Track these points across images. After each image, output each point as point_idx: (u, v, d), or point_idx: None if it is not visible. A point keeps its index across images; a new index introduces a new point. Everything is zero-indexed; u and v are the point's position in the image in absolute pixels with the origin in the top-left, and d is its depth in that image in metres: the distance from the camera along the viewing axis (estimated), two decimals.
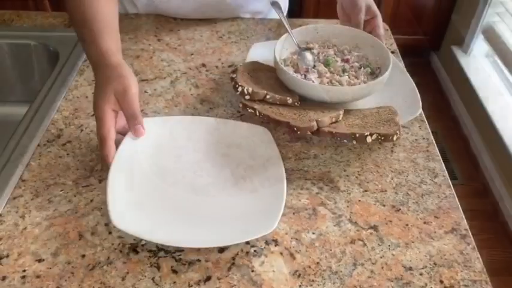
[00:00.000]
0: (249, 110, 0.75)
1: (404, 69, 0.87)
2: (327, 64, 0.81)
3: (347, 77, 0.79)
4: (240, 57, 0.92)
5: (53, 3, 2.18)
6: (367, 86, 0.76)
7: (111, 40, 0.72)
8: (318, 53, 0.84)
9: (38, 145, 0.73)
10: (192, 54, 0.93)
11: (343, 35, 0.86)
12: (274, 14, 1.09)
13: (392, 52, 0.93)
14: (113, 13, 0.77)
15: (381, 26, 0.88)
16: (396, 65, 0.88)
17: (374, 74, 0.81)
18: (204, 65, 0.90)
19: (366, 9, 0.87)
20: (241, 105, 0.76)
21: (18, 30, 0.98)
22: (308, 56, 0.82)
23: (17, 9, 1.05)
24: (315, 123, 0.70)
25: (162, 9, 1.01)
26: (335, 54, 0.84)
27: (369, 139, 0.69)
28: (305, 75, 0.79)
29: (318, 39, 0.87)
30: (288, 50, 0.85)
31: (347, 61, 0.83)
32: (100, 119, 0.64)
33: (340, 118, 0.73)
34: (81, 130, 0.76)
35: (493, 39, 2.11)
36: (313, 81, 0.78)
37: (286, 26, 0.85)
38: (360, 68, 0.81)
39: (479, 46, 2.24)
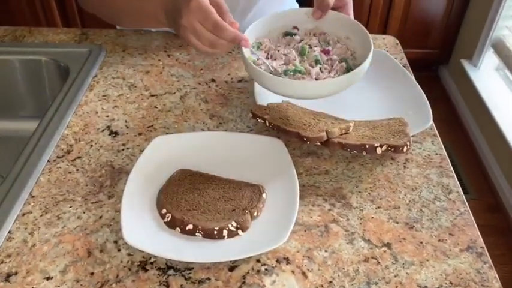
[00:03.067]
0: (259, 120, 0.75)
1: (415, 81, 0.87)
2: (302, 53, 0.74)
3: (318, 68, 0.72)
4: None
5: (63, 19, 2.22)
6: (328, 81, 0.68)
7: None
8: (300, 41, 0.77)
9: (48, 161, 0.73)
10: (201, 70, 0.93)
11: (336, 22, 0.78)
12: None
13: (404, 66, 0.92)
14: None
15: (351, 14, 0.80)
16: (407, 77, 0.88)
17: (350, 71, 0.71)
18: (213, 80, 0.90)
19: None
20: (251, 115, 0.76)
21: (29, 46, 0.99)
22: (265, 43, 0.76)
23: (29, 26, 1.06)
24: (324, 133, 0.69)
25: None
26: (319, 42, 0.77)
27: (378, 150, 0.68)
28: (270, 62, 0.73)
29: (308, 23, 0.79)
30: (269, 33, 0.78)
31: (327, 52, 0.75)
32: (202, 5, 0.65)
33: (351, 130, 0.72)
34: (91, 146, 0.75)
35: (503, 52, 2.10)
36: (272, 68, 0.71)
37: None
38: (337, 62, 0.73)
39: (489, 60, 2.23)
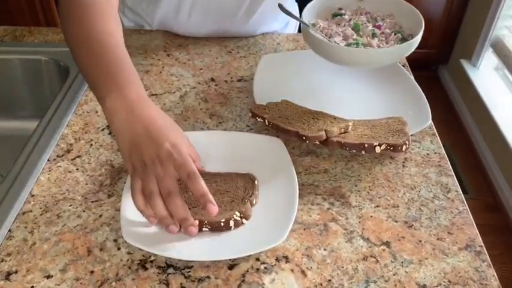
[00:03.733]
0: (259, 119, 0.75)
1: (414, 80, 0.87)
2: (356, 29, 0.80)
3: (377, 40, 0.78)
4: (249, 71, 0.92)
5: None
6: (393, 48, 0.75)
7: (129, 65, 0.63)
8: (350, 19, 0.83)
9: (48, 160, 0.73)
10: (201, 69, 0.93)
11: (378, 1, 0.85)
12: (286, 31, 1.10)
13: (403, 65, 0.92)
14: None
15: None
16: (406, 77, 0.88)
17: (405, 41, 0.78)
18: (213, 80, 0.90)
19: None
20: (250, 114, 0.76)
21: (29, 46, 0.99)
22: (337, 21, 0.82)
23: (28, 25, 1.07)
24: (323, 132, 0.70)
25: (178, 31, 1.02)
26: (367, 20, 0.83)
27: (377, 149, 0.69)
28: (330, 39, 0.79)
29: (351, 5, 0.86)
30: (317, 16, 0.85)
31: (378, 27, 0.81)
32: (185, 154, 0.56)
33: (350, 129, 0.73)
34: (91, 145, 0.76)
35: (502, 52, 2.10)
36: (335, 43, 0.77)
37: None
38: (391, 34, 0.80)
39: (488, 59, 2.23)
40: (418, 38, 0.76)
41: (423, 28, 0.77)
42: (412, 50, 0.76)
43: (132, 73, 0.62)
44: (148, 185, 0.56)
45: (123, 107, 0.59)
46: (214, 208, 0.56)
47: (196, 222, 0.60)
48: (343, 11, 0.85)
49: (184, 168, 0.56)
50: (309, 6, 0.83)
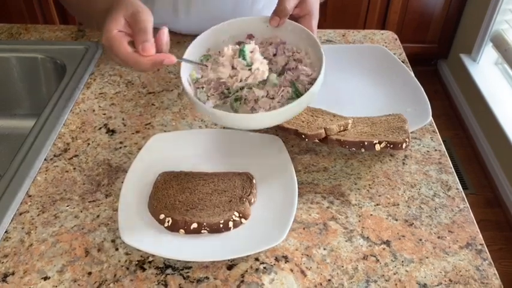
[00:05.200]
0: None
1: (414, 76, 0.86)
2: (242, 57, 0.64)
3: (262, 93, 0.64)
4: None
5: (61, 16, 2.20)
6: (263, 115, 0.60)
7: None
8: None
9: (45, 159, 0.72)
10: None
11: (295, 35, 0.69)
12: None
13: (403, 61, 0.91)
14: None
15: (314, 26, 0.70)
16: (406, 73, 0.87)
17: (295, 99, 0.63)
18: None
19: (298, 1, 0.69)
20: None
21: (25, 44, 0.98)
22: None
23: (26, 22, 1.06)
24: (323, 130, 0.69)
25: (175, 30, 1.01)
26: (273, 54, 0.69)
27: (377, 147, 0.68)
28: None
29: (265, 33, 0.70)
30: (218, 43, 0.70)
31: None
32: (109, 40, 0.59)
33: (349, 126, 0.72)
34: (88, 144, 0.75)
35: (502, 46, 2.09)
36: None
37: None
38: (284, 88, 0.65)
39: (488, 54, 2.22)
40: (300, 104, 0.60)
41: (317, 85, 0.61)
42: (294, 114, 0.61)
43: None
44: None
45: None
46: (171, 59, 0.59)
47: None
48: (248, 41, 0.69)
49: (119, 57, 0.59)
50: (213, 28, 0.69)
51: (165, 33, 0.60)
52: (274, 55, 0.69)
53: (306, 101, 0.61)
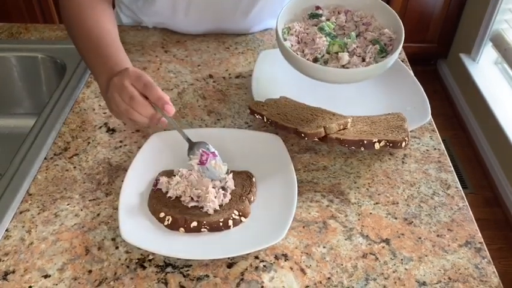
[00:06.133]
0: (257, 116, 0.75)
1: (414, 76, 0.86)
2: (326, 34, 0.74)
3: (347, 55, 0.72)
4: (247, 67, 0.92)
5: (60, 15, 2.20)
6: (364, 69, 0.70)
7: (119, 51, 0.72)
8: (327, 19, 0.78)
9: (45, 158, 0.72)
10: (199, 66, 0.92)
11: (359, 1, 0.79)
12: None
13: (402, 60, 0.91)
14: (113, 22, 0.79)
15: None
16: (405, 72, 0.88)
17: (383, 53, 0.73)
18: (211, 76, 0.90)
19: None
20: (249, 111, 0.76)
21: (25, 43, 0.99)
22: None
23: (25, 22, 1.06)
24: (322, 129, 0.69)
25: (174, 28, 1.01)
26: (346, 21, 0.78)
27: (377, 146, 0.68)
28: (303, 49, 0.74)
29: (329, 3, 0.80)
30: (295, 16, 0.79)
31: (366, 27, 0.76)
32: (122, 87, 0.63)
33: (349, 125, 0.72)
34: (88, 143, 0.75)
35: (502, 46, 2.09)
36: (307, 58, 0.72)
37: None
38: (369, 45, 0.74)
39: (488, 53, 2.22)
40: (395, 55, 0.71)
41: (403, 39, 0.72)
42: (389, 66, 0.71)
43: (118, 55, 0.72)
44: (117, 108, 0.65)
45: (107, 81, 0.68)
46: (170, 108, 0.63)
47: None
48: (319, 11, 0.79)
49: (140, 80, 0.63)
50: (285, 8, 0.77)
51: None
52: (346, 21, 0.78)
53: (395, 55, 0.71)
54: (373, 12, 0.78)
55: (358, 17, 0.78)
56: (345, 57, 0.72)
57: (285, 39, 0.75)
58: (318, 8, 0.80)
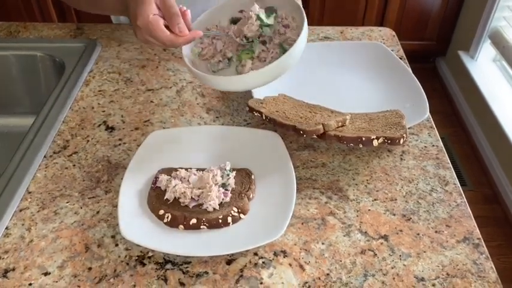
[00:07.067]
0: (256, 114, 0.75)
1: (411, 73, 0.86)
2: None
3: (250, 63, 0.69)
4: None
5: (59, 14, 2.20)
6: (256, 73, 0.64)
7: None
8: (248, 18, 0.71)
9: (44, 156, 0.72)
10: None
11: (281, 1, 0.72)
12: None
13: (400, 58, 0.92)
14: None
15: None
16: (404, 69, 0.88)
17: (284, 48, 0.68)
18: None
19: None
20: (247, 108, 0.76)
21: (24, 42, 0.99)
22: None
23: (24, 21, 1.06)
24: (321, 126, 0.69)
25: None
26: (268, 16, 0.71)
27: (375, 142, 0.68)
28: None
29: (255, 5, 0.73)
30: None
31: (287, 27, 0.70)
32: (146, 23, 0.64)
33: (347, 122, 0.72)
34: (88, 141, 0.75)
35: (500, 43, 2.10)
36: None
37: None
38: (279, 46, 0.69)
39: (486, 51, 2.22)
40: (289, 54, 0.64)
41: (301, 38, 0.64)
42: (287, 67, 0.65)
43: None
44: (148, 41, 0.68)
45: None
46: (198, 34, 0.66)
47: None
48: (240, 15, 0.73)
49: (158, 39, 0.66)
50: (208, 12, 0.74)
51: (188, 14, 0.67)
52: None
53: (288, 58, 0.64)
54: (293, 14, 0.71)
55: (279, 18, 0.72)
56: (248, 63, 0.69)
57: (199, 43, 0.74)
58: (241, 11, 0.74)
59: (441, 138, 0.77)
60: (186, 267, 0.57)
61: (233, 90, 0.70)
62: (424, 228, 0.63)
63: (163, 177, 0.65)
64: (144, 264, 0.58)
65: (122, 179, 0.66)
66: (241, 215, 0.62)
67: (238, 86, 0.67)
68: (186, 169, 0.66)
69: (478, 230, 0.63)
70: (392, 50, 0.94)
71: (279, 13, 0.72)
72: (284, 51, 0.67)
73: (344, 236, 0.61)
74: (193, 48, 0.73)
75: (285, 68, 0.65)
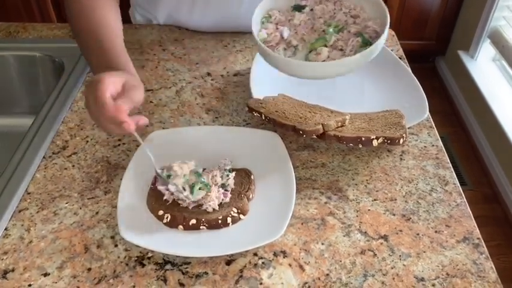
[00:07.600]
0: (255, 114, 0.75)
1: (411, 72, 0.86)
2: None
3: (327, 50, 0.69)
4: (245, 65, 0.92)
5: (58, 14, 2.20)
6: (339, 62, 0.65)
7: (121, 52, 0.70)
8: (311, 9, 0.73)
9: (44, 157, 0.72)
10: (197, 64, 0.93)
11: None
12: None
13: (400, 57, 0.92)
14: (118, 20, 0.76)
15: None
16: (403, 69, 0.88)
17: (365, 47, 0.68)
18: (209, 74, 0.90)
19: None
20: (247, 108, 0.76)
21: (23, 42, 0.98)
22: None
23: (23, 21, 1.06)
24: (320, 126, 0.69)
25: (182, 23, 1.02)
26: (334, 11, 0.73)
27: (375, 142, 0.68)
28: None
29: None
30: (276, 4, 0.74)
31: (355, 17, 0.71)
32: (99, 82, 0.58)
33: (347, 122, 0.72)
34: (87, 141, 0.75)
35: (500, 43, 2.10)
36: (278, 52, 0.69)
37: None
38: (352, 38, 0.69)
39: (486, 50, 2.22)
40: (376, 46, 0.66)
41: (387, 30, 0.66)
42: (369, 58, 0.67)
43: (120, 57, 0.70)
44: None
45: None
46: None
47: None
48: (303, 3, 0.74)
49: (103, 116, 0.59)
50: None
51: (145, 123, 0.62)
52: (334, 11, 0.74)
53: (377, 47, 0.66)
54: (362, 3, 0.72)
55: (346, 8, 0.73)
56: (324, 52, 0.68)
57: (263, 28, 0.72)
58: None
59: (441, 138, 0.77)
60: (186, 268, 0.57)
61: (315, 77, 0.70)
62: (423, 228, 0.63)
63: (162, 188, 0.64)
64: (143, 265, 0.58)
65: (121, 179, 0.66)
66: (241, 216, 0.62)
67: (325, 73, 0.67)
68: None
69: (477, 230, 0.63)
70: (391, 50, 0.94)
71: (346, 4, 0.73)
72: (364, 39, 0.68)
73: (344, 236, 0.61)
74: (260, 33, 0.71)
75: (371, 56, 0.67)
